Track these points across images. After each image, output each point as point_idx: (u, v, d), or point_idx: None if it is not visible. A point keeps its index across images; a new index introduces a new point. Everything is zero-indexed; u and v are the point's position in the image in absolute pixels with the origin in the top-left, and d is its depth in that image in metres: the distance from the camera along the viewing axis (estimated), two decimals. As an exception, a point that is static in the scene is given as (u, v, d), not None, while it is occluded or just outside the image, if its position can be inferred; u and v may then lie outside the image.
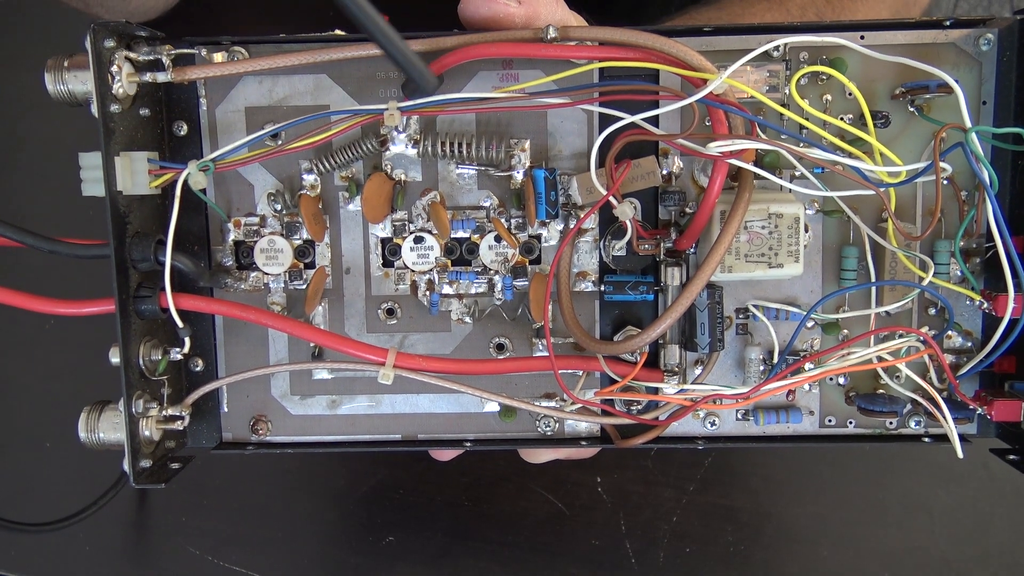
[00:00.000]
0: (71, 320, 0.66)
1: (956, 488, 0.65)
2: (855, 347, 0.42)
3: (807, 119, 0.41)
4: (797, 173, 0.44)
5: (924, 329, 0.41)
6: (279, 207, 0.45)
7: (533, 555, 0.65)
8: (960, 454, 0.41)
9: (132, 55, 0.41)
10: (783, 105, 0.43)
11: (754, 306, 0.44)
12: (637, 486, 0.66)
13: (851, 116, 0.44)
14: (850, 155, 0.41)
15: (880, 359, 0.40)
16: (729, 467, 0.66)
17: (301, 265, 0.46)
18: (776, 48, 0.43)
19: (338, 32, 0.45)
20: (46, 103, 0.49)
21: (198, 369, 0.47)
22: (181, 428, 0.44)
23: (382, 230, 0.46)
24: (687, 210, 0.45)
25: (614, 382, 0.43)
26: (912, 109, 0.44)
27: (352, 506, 0.65)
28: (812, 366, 0.42)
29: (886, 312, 0.45)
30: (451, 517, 0.65)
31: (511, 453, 0.53)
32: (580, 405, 0.44)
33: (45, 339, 0.68)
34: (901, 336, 0.42)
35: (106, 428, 0.43)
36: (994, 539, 0.64)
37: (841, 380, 0.46)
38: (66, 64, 0.41)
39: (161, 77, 0.41)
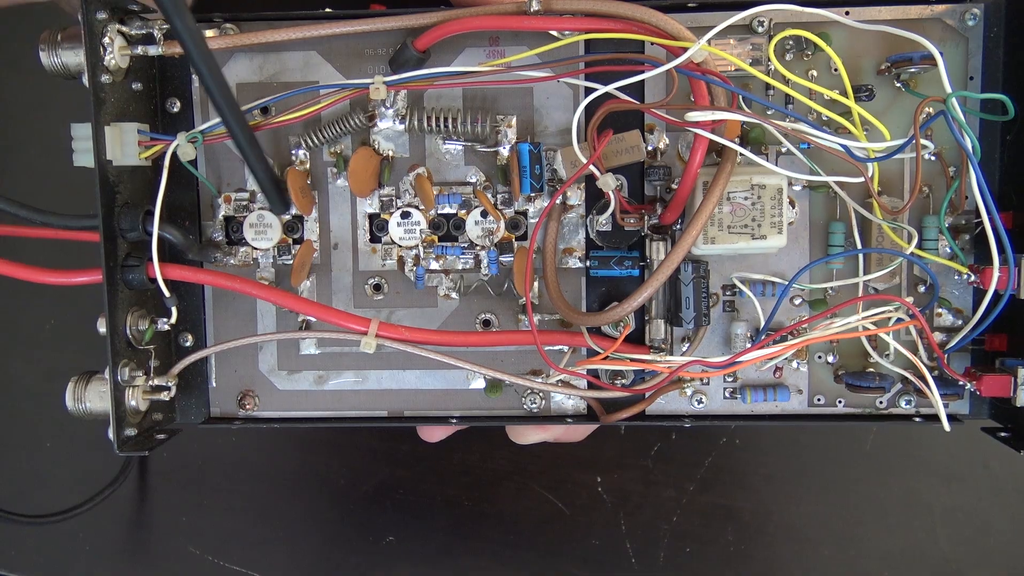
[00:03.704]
0: (71, 319, 0.67)
1: (956, 488, 0.64)
2: (840, 317, 0.41)
3: (790, 86, 0.41)
4: (783, 149, 0.44)
5: (910, 300, 0.41)
6: (268, 181, 0.45)
7: (533, 555, 0.64)
8: (947, 427, 0.40)
9: (124, 28, 0.42)
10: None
11: (739, 280, 0.44)
12: (637, 486, 0.65)
13: (837, 91, 0.44)
14: (836, 125, 0.42)
15: (865, 328, 0.40)
16: (729, 467, 0.65)
17: (290, 240, 0.46)
18: (760, 22, 0.43)
19: (328, 10, 0.46)
20: (40, 98, 0.50)
21: (188, 344, 0.47)
22: (167, 399, 0.44)
23: (369, 206, 0.46)
24: (672, 186, 0.45)
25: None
26: (898, 84, 0.44)
27: (352, 506, 0.65)
28: (795, 335, 0.42)
29: (874, 289, 0.44)
30: (451, 517, 0.65)
31: (511, 452, 0.52)
32: (564, 376, 0.44)
33: (45, 339, 0.68)
34: (886, 305, 0.41)
35: (92, 398, 0.43)
36: (994, 539, 0.62)
37: (830, 359, 0.45)
38: (59, 37, 0.42)
39: (152, 51, 0.42)
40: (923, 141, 0.40)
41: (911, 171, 0.44)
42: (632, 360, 0.42)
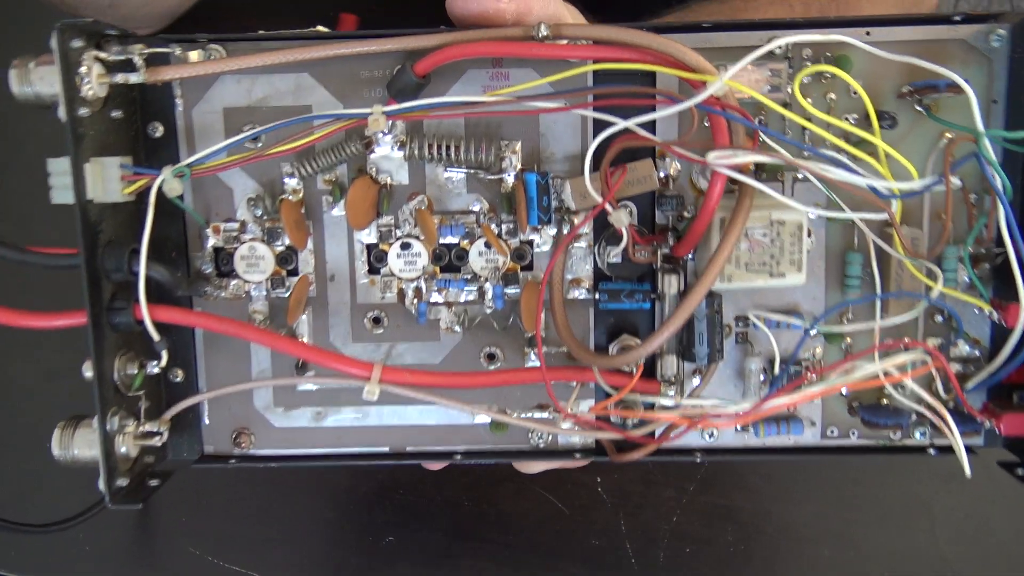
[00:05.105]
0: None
1: (956, 488, 0.64)
2: (858, 360, 0.40)
3: (810, 120, 0.40)
4: (800, 176, 0.42)
5: (931, 343, 0.40)
6: (259, 212, 0.43)
7: (533, 555, 0.64)
8: (968, 472, 0.39)
9: (102, 55, 0.39)
10: (785, 104, 0.41)
11: (756, 317, 0.42)
12: (637, 486, 0.65)
13: (856, 116, 0.42)
14: (855, 159, 0.40)
15: (888, 375, 0.39)
16: (729, 467, 0.65)
17: (283, 272, 0.44)
18: (778, 46, 0.41)
19: (320, 28, 0.43)
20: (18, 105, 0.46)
21: (178, 380, 0.45)
22: (159, 444, 0.42)
23: (367, 236, 0.44)
24: (685, 214, 0.43)
25: (609, 393, 0.42)
26: (919, 108, 0.42)
27: (352, 506, 0.65)
28: (813, 379, 0.41)
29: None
30: (451, 517, 0.64)
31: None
32: (572, 420, 0.42)
33: (46, 340, 0.66)
34: (906, 349, 0.40)
35: (80, 445, 0.41)
36: (994, 539, 0.63)
37: (843, 390, 0.44)
38: (32, 65, 0.39)
39: (133, 78, 0.39)
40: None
41: (931, 199, 0.42)
42: (645, 411, 0.40)
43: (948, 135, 0.42)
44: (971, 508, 0.63)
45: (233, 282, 0.44)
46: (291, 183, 0.43)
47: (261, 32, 0.42)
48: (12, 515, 0.60)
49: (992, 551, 0.63)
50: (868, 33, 0.41)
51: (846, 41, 0.39)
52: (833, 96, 0.42)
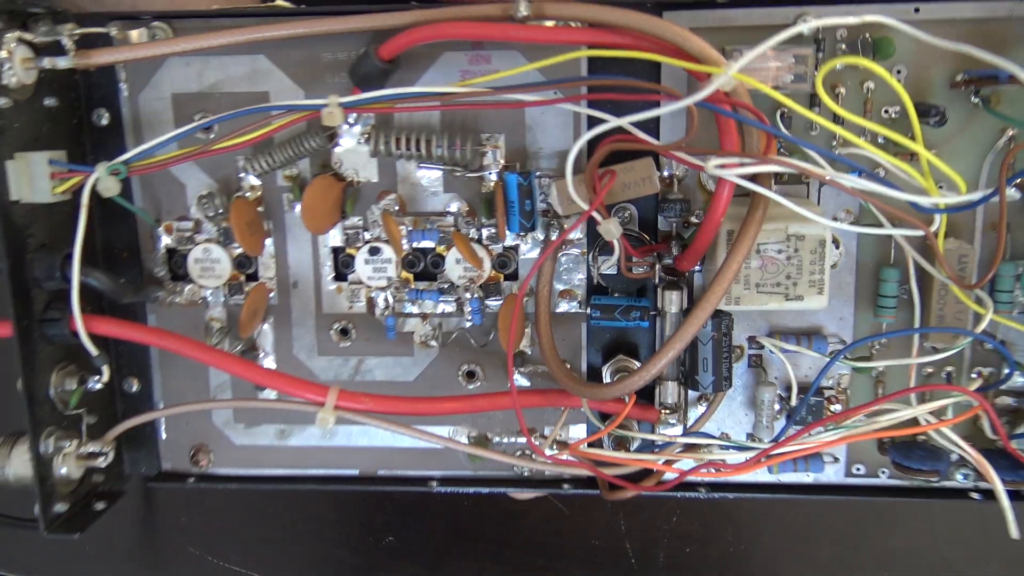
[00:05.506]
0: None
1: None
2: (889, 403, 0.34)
3: (840, 122, 0.33)
4: (827, 176, 0.36)
5: (975, 383, 0.34)
6: (212, 212, 0.38)
7: (533, 555, 0.61)
8: (1015, 534, 0.34)
9: (28, 36, 0.35)
10: (811, 97, 0.35)
11: (772, 344, 0.37)
12: (637, 486, 0.61)
13: (897, 109, 0.36)
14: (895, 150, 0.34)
15: (927, 422, 0.33)
16: (729, 467, 0.61)
17: (242, 277, 0.40)
18: (804, 20, 0.35)
19: (280, 2, 0.38)
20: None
21: (133, 391, 0.41)
22: (103, 465, 0.38)
23: (333, 238, 0.39)
24: (692, 219, 0.37)
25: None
26: (976, 100, 0.35)
27: (352, 506, 0.62)
28: (837, 411, 0.35)
29: (933, 348, 0.37)
30: (451, 517, 0.61)
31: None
32: (555, 450, 0.37)
33: None
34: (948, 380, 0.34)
35: (17, 464, 0.37)
36: (994, 539, 0.58)
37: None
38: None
39: (61, 63, 0.35)
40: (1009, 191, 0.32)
41: (986, 208, 0.36)
42: (634, 456, 0.35)
43: (1010, 132, 0.35)
44: (972, 508, 0.59)
45: (188, 287, 0.40)
46: (247, 179, 0.38)
47: (215, 8, 0.38)
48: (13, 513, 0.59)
49: (992, 551, 0.59)
50: (917, 10, 0.35)
51: (887, 23, 0.32)
52: (871, 85, 0.36)
